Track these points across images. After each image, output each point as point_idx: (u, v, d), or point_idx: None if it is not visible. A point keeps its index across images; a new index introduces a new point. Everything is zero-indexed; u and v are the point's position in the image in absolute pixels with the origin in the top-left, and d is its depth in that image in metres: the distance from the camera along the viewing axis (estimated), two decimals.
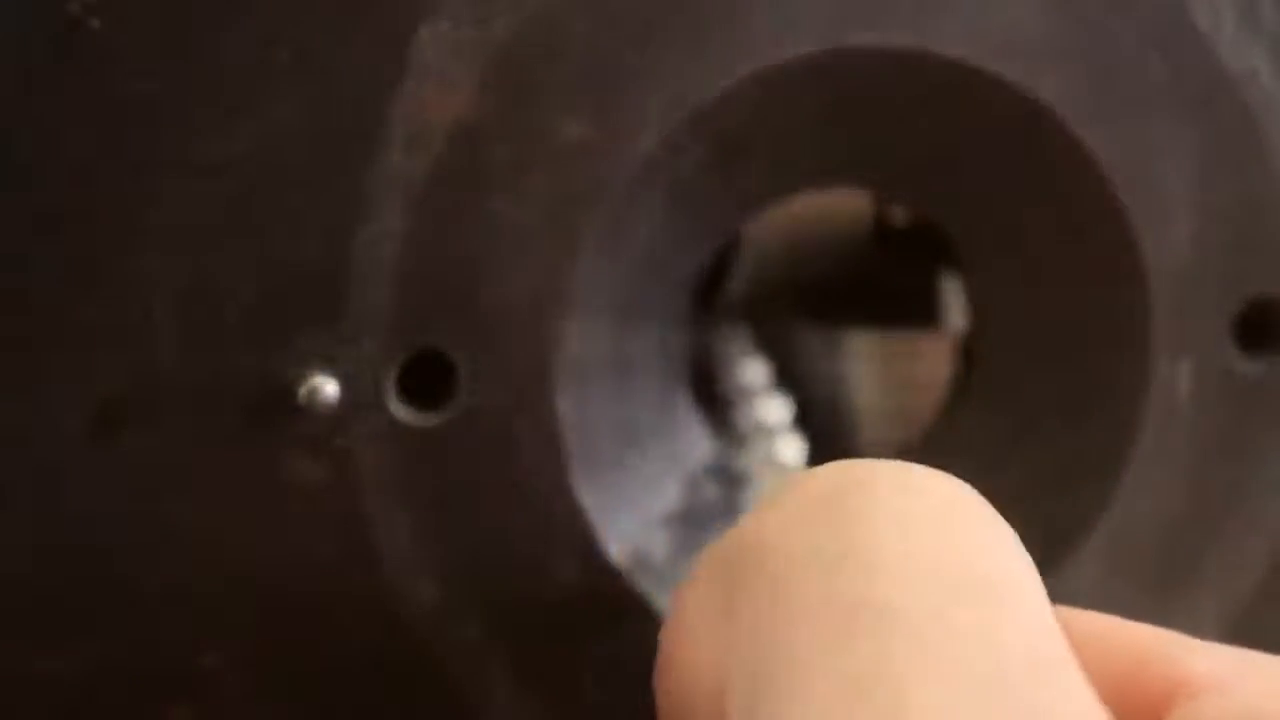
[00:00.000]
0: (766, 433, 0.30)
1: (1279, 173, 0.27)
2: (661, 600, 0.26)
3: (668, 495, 0.28)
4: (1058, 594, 0.19)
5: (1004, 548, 0.17)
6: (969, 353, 0.31)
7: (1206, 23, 0.27)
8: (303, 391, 0.24)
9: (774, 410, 0.30)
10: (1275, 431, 0.28)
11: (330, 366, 0.24)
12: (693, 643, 0.18)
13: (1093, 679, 0.16)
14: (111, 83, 0.23)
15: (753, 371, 0.31)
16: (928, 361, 0.34)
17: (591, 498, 0.25)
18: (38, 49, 0.23)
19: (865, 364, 0.34)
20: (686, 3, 0.24)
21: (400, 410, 0.24)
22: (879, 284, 0.32)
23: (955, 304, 0.31)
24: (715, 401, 0.31)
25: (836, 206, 0.31)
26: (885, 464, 0.18)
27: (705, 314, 0.32)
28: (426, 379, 0.25)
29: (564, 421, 0.25)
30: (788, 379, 0.33)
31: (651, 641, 0.26)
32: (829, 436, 0.32)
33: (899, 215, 0.32)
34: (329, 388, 0.24)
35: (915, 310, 0.31)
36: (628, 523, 0.27)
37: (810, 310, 0.34)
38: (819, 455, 0.32)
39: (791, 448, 0.30)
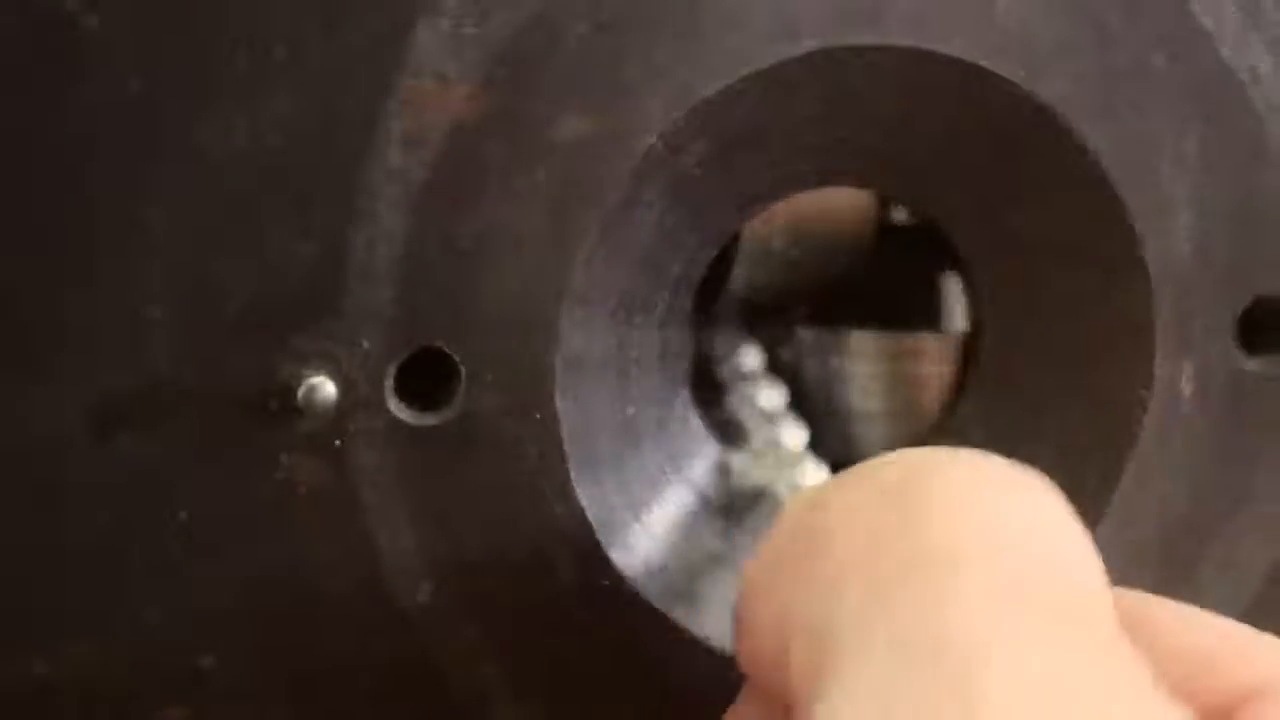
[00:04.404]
0: (768, 418, 0.30)
1: None
2: (661, 599, 0.26)
3: (667, 494, 0.28)
4: None
5: (1072, 535, 0.18)
6: (970, 352, 0.30)
7: (1209, 22, 0.27)
8: (301, 391, 0.24)
9: (773, 396, 0.30)
10: (1277, 432, 0.28)
11: (329, 366, 0.24)
12: (762, 610, 0.19)
13: (1163, 668, 0.16)
14: (107, 81, 0.23)
15: (750, 357, 0.30)
16: (929, 361, 0.33)
17: (591, 498, 0.25)
18: (34, 46, 0.23)
19: (866, 363, 0.33)
20: (687, 0, 0.24)
21: (399, 410, 0.24)
22: (880, 283, 0.32)
23: (956, 303, 0.31)
24: (715, 400, 0.31)
25: (838, 204, 0.31)
26: (958, 452, 0.19)
27: (706, 313, 0.32)
28: (426, 379, 0.24)
29: (564, 421, 0.25)
30: (789, 377, 0.33)
31: (651, 641, 0.26)
32: (829, 435, 0.32)
33: (901, 213, 0.32)
34: (327, 388, 0.24)
35: (917, 309, 0.31)
36: (628, 523, 0.26)
37: (812, 309, 0.33)
38: (819, 453, 0.32)
39: (793, 433, 0.30)
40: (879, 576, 0.17)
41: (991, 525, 0.17)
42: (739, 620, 0.20)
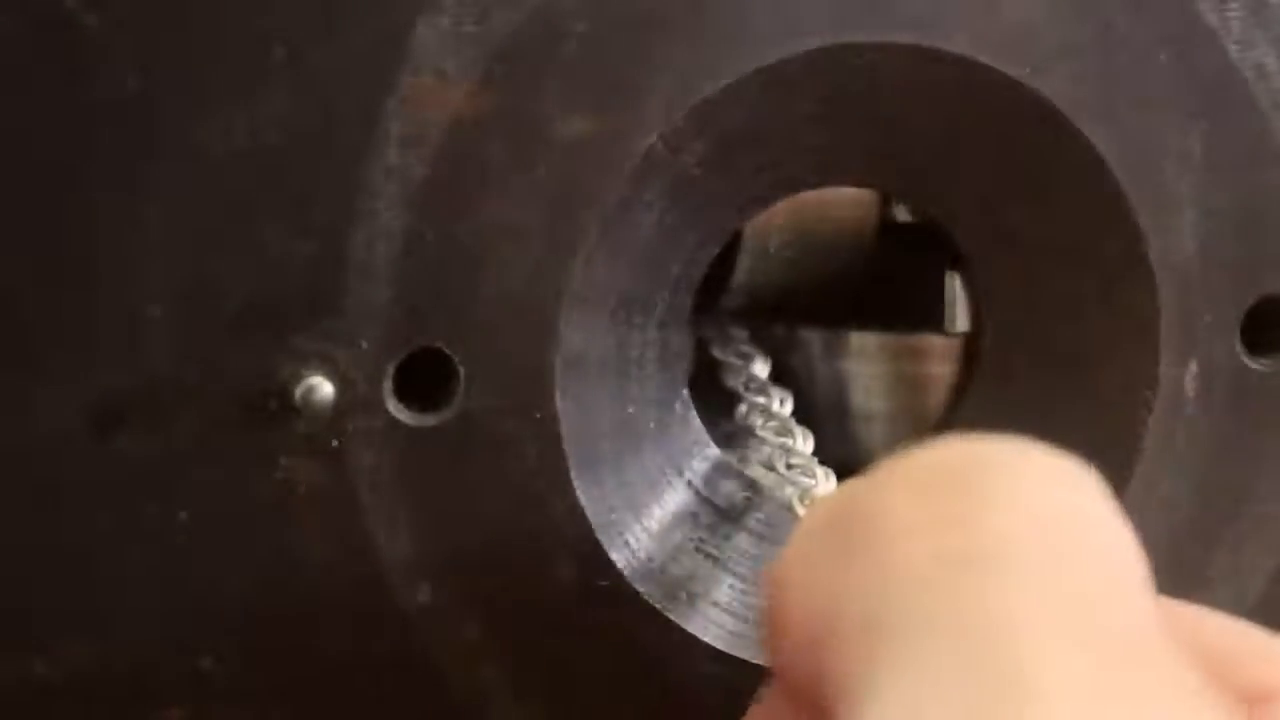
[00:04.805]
0: (774, 423, 0.29)
1: None
2: (661, 599, 0.26)
3: (667, 495, 0.28)
4: None
5: (1120, 530, 0.18)
6: (973, 353, 0.30)
7: (1215, 19, 0.26)
8: (299, 392, 0.23)
9: (778, 400, 0.30)
10: None
11: (327, 366, 0.24)
12: (798, 602, 0.19)
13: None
14: (106, 80, 0.23)
15: (755, 362, 0.30)
16: (933, 360, 0.33)
17: (591, 498, 0.25)
18: (34, 46, 0.23)
19: (870, 364, 0.33)
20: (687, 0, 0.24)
21: (398, 410, 0.24)
22: (883, 283, 0.32)
23: (960, 303, 0.31)
24: (715, 400, 0.31)
25: (839, 203, 0.31)
26: (1006, 441, 0.19)
27: (707, 313, 0.31)
28: (425, 379, 0.24)
29: (564, 421, 0.25)
30: (791, 378, 0.33)
31: (651, 641, 0.26)
32: (833, 436, 0.32)
33: (904, 211, 0.32)
34: (325, 388, 0.24)
35: (920, 310, 0.31)
36: (628, 523, 0.26)
37: (814, 309, 0.33)
38: (822, 454, 0.32)
39: (797, 437, 0.30)
40: (932, 571, 0.16)
41: (1047, 519, 0.17)
42: (769, 613, 0.20)
